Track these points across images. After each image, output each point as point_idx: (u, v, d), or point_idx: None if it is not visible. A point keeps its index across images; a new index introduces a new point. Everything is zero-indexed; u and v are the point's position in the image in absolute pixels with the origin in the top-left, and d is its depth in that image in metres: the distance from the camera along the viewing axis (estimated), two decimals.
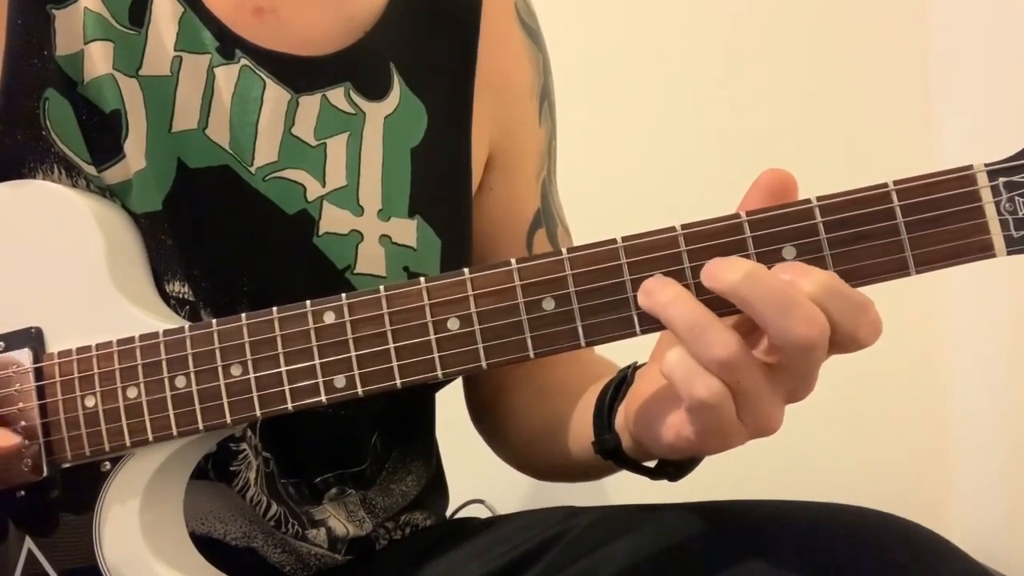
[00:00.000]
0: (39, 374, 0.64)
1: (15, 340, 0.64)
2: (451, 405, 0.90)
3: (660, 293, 0.54)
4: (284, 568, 0.75)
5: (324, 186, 0.73)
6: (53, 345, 0.64)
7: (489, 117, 0.82)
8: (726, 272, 0.52)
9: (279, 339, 0.60)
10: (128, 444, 0.62)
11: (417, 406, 0.87)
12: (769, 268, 0.53)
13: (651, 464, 0.66)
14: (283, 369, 0.60)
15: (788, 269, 0.52)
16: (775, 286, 0.51)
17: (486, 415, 0.89)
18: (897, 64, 1.46)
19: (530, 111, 0.86)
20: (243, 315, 0.61)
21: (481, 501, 1.21)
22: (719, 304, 0.53)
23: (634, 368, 0.67)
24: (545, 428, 0.79)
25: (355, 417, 0.77)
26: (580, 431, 0.72)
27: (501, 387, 0.86)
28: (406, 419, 0.85)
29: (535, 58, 0.87)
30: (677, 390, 0.53)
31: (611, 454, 0.66)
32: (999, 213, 0.52)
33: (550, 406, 0.78)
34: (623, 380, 0.67)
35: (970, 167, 0.53)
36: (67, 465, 0.63)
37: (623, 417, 0.65)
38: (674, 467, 0.65)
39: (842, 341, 0.52)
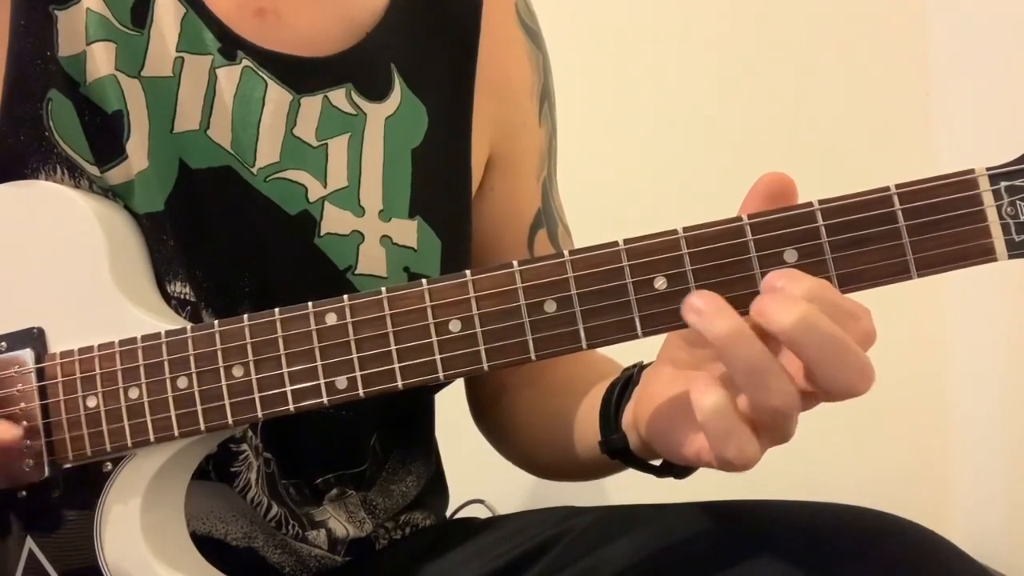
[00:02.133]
0: (41, 374, 0.64)
1: (17, 340, 0.64)
2: (451, 405, 0.90)
3: (716, 322, 0.51)
4: (284, 569, 0.75)
5: (325, 187, 0.73)
6: (55, 345, 0.64)
7: (489, 118, 0.82)
8: (780, 313, 0.50)
9: (281, 340, 0.60)
10: (130, 444, 0.62)
11: (417, 407, 0.87)
12: (767, 273, 0.53)
13: (657, 463, 0.66)
14: (285, 370, 0.60)
15: (782, 276, 0.52)
16: (833, 336, 0.49)
17: (488, 414, 0.89)
18: (899, 67, 1.46)
19: (530, 112, 0.86)
20: (245, 316, 0.61)
21: (481, 501, 1.21)
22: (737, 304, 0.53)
23: (640, 368, 0.67)
24: (548, 427, 0.79)
25: (355, 418, 0.77)
26: (585, 430, 0.72)
27: (503, 386, 0.86)
28: (406, 420, 0.85)
29: (535, 58, 0.87)
30: (708, 441, 0.52)
31: (618, 453, 0.66)
32: (1000, 217, 0.52)
33: (553, 405, 0.78)
34: (629, 380, 0.67)
35: (972, 171, 0.53)
36: (68, 465, 0.64)
37: (630, 417, 0.65)
38: (682, 466, 0.65)
39: None
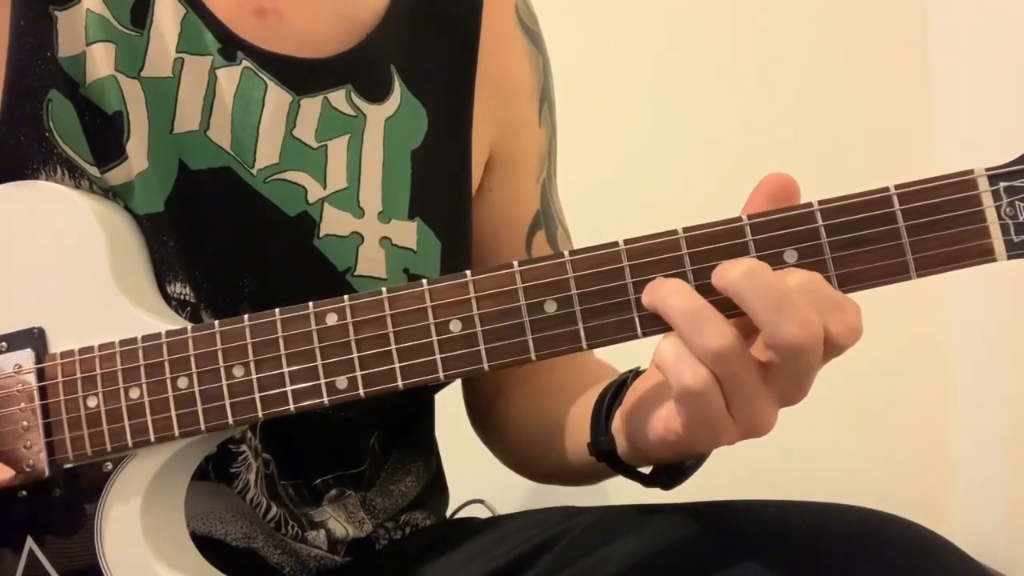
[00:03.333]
0: (41, 374, 0.64)
1: (17, 340, 0.64)
2: (451, 405, 0.90)
3: (660, 287, 0.54)
4: (284, 569, 0.75)
5: (325, 188, 0.73)
6: (55, 345, 0.64)
7: (489, 119, 0.82)
8: (729, 268, 0.52)
9: (281, 340, 0.60)
10: (130, 444, 0.62)
11: (417, 407, 0.87)
12: None
13: (645, 470, 0.66)
14: (285, 370, 0.60)
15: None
16: (773, 284, 0.51)
17: (484, 415, 0.89)
18: (898, 67, 1.46)
19: (530, 113, 0.86)
20: (246, 316, 0.61)
21: (481, 501, 1.21)
22: (722, 307, 0.53)
23: (635, 373, 0.67)
24: (542, 429, 0.79)
25: (354, 418, 0.77)
26: (577, 433, 0.72)
27: (500, 388, 0.86)
28: (406, 420, 0.85)
29: (535, 60, 0.87)
30: (667, 378, 0.54)
31: (605, 456, 0.66)
32: (1000, 217, 0.53)
33: (548, 407, 0.78)
34: (623, 384, 0.67)
35: (971, 171, 0.53)
36: (69, 465, 0.64)
37: (620, 420, 0.65)
38: (668, 475, 0.65)
39: None
